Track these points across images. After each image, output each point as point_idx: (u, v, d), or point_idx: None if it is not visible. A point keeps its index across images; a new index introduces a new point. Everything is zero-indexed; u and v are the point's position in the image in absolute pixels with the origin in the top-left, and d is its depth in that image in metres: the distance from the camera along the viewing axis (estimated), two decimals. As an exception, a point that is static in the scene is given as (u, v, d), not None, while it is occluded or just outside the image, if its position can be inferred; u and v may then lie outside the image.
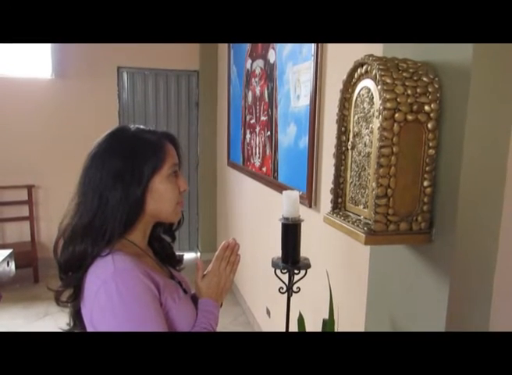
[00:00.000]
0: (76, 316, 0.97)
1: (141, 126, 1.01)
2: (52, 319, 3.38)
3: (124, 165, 0.93)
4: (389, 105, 0.93)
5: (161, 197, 0.96)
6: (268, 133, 2.75)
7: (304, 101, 2.14)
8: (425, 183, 0.99)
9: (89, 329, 0.92)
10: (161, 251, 1.12)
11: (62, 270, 0.96)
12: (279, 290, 1.66)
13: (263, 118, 2.87)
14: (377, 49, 1.13)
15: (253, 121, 3.11)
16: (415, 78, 0.96)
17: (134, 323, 0.86)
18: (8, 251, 2.37)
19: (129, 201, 0.92)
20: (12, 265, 2.38)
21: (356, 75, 1.07)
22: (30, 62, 4.11)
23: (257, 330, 3.16)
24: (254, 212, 3.24)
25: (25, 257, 3.91)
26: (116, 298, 0.85)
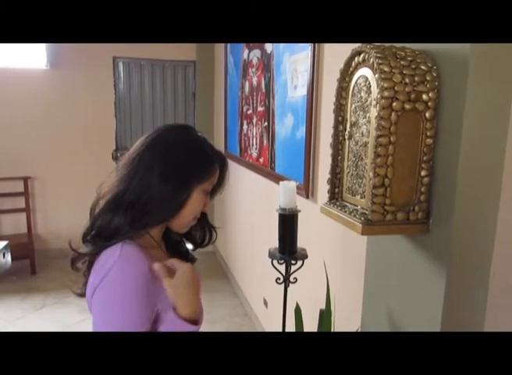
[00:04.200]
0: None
1: (206, 137, 1.03)
2: (49, 311, 3.39)
3: (181, 163, 0.95)
4: (386, 93, 0.91)
5: (190, 206, 0.97)
6: (266, 123, 2.74)
7: (302, 91, 2.12)
8: (423, 173, 0.98)
9: (89, 300, 0.94)
10: (175, 247, 1.12)
11: (91, 232, 0.96)
12: (276, 280, 1.67)
13: (260, 108, 2.85)
14: (375, 37, 1.12)
15: (250, 112, 3.10)
16: (413, 66, 0.94)
17: (118, 310, 0.87)
18: (4, 243, 2.37)
19: (173, 200, 0.94)
20: (8, 256, 2.37)
21: (353, 64, 1.05)
22: (24, 52, 4.06)
23: (254, 320, 3.17)
24: (252, 203, 3.24)
25: (22, 249, 3.90)
26: (113, 286, 0.87)
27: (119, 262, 0.88)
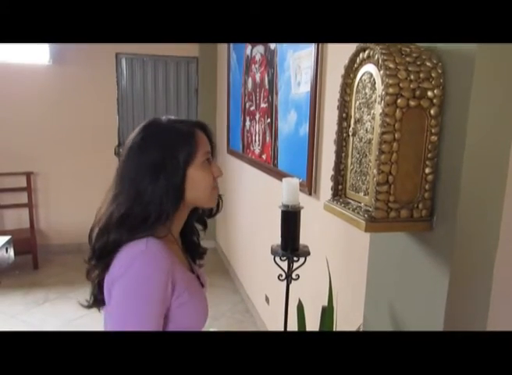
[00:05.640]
0: (99, 287, 0.99)
1: (172, 117, 1.03)
2: (51, 306, 3.40)
3: (160, 156, 0.95)
4: (391, 90, 0.91)
5: (197, 184, 0.98)
6: (268, 120, 2.73)
7: (305, 87, 2.12)
8: (427, 171, 0.98)
9: (106, 296, 0.95)
10: (190, 239, 1.14)
11: (94, 255, 0.97)
12: (279, 277, 1.67)
13: (263, 105, 2.85)
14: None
15: (253, 108, 3.09)
16: (418, 63, 0.94)
17: (137, 306, 0.89)
18: (6, 238, 2.37)
19: (170, 191, 0.95)
20: (11, 251, 2.38)
21: (358, 60, 1.05)
22: (27, 48, 4.05)
23: (255, 317, 3.17)
24: (254, 200, 3.24)
25: (24, 244, 3.91)
26: (132, 279, 0.89)
27: (144, 255, 0.90)
